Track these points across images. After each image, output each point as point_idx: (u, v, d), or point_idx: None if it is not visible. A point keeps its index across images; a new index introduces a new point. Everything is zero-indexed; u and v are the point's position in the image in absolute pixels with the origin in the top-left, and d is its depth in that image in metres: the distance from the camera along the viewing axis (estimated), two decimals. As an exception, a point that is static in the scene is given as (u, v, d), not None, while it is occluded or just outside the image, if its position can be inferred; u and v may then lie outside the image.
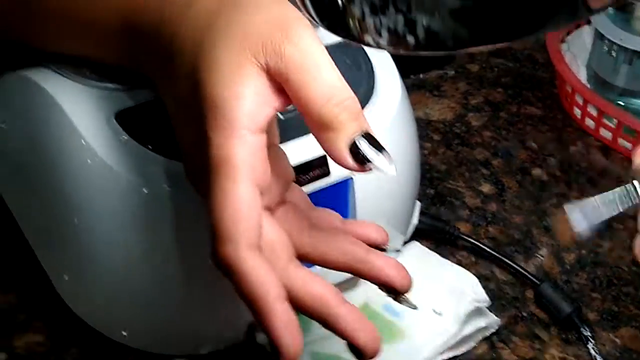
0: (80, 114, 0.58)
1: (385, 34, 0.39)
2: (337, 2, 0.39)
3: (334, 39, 0.43)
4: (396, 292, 0.55)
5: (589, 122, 0.88)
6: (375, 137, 0.49)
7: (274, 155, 0.55)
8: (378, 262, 0.54)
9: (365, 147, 0.48)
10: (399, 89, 0.67)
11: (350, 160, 0.49)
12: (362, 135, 0.49)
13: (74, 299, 0.64)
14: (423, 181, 0.81)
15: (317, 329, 0.64)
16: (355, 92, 0.64)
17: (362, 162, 0.49)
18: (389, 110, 0.66)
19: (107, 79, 0.60)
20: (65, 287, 0.64)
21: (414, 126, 0.70)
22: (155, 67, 0.54)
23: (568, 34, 0.95)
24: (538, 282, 0.71)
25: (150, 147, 0.58)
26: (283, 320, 0.48)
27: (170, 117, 0.53)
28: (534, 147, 0.87)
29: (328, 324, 0.52)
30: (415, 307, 0.56)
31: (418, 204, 0.74)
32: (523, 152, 0.86)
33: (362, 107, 0.64)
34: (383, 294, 0.56)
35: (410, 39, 0.38)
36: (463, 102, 0.91)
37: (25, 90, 0.61)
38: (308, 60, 0.48)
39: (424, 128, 0.88)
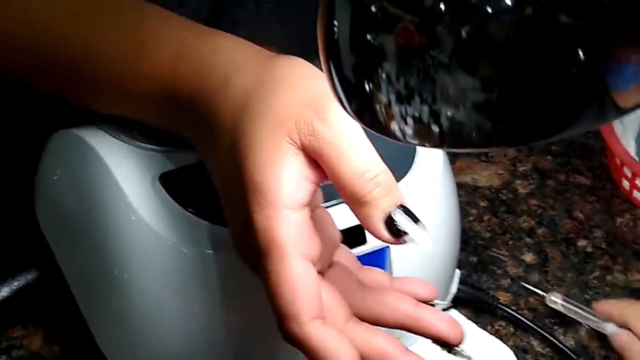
0: (125, 173, 0.60)
1: (410, 121, 0.39)
2: (365, 88, 0.40)
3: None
4: (449, 346, 0.55)
5: (637, 195, 0.87)
6: (411, 209, 0.50)
7: (319, 218, 0.56)
8: (429, 317, 0.55)
9: (400, 219, 0.49)
10: (440, 156, 0.68)
11: (386, 234, 0.50)
12: (398, 207, 0.50)
13: (113, 354, 0.65)
14: (467, 248, 0.82)
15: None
16: (395, 160, 0.65)
17: (397, 235, 0.50)
18: (430, 178, 0.67)
19: (155, 140, 0.62)
20: (105, 341, 0.65)
21: (455, 194, 0.70)
22: (196, 138, 0.56)
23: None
24: (575, 357, 0.71)
25: (191, 210, 0.59)
26: None
27: (217, 190, 0.54)
28: (581, 217, 0.87)
29: None
30: (470, 358, 0.56)
31: (457, 272, 0.74)
32: (569, 222, 0.86)
33: (404, 174, 0.66)
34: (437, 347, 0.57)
35: (435, 128, 0.39)
36: (511, 168, 0.92)
37: (76, 147, 0.63)
38: (339, 138, 0.49)
39: (471, 194, 0.88)
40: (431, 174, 0.67)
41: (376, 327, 0.54)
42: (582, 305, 0.75)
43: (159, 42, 0.57)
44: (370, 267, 0.59)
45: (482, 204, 0.87)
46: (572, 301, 0.75)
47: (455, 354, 0.56)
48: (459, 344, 0.55)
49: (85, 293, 0.66)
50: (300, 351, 0.51)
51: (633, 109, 0.39)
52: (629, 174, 0.87)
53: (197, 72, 0.55)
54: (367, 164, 0.49)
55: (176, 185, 0.60)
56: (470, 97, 0.38)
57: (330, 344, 0.50)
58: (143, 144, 0.62)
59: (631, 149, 0.90)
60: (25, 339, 0.69)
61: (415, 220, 0.50)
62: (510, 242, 0.83)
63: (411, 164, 0.66)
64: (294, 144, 0.50)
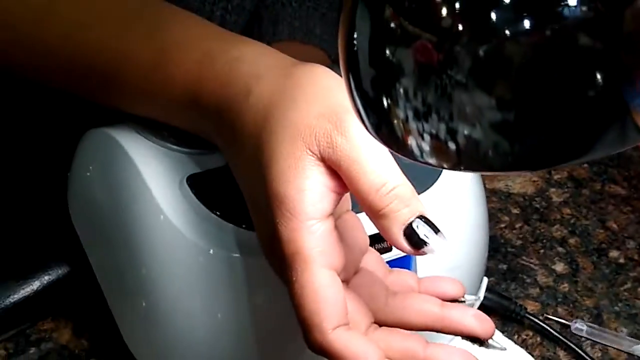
0: (153, 174, 0.61)
1: (427, 138, 0.39)
2: (383, 102, 0.40)
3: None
4: (480, 340, 0.55)
5: (673, 207, 0.87)
6: (431, 219, 0.50)
7: (347, 224, 0.57)
8: (455, 315, 0.55)
9: (420, 230, 0.50)
10: (468, 174, 0.68)
11: (406, 246, 0.50)
12: (419, 218, 0.50)
13: (139, 350, 0.66)
14: (497, 255, 0.81)
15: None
16: (421, 174, 0.65)
17: (417, 246, 0.50)
18: (459, 186, 0.67)
19: (184, 141, 0.62)
20: (131, 337, 0.66)
21: (484, 201, 0.70)
22: (222, 144, 0.57)
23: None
24: (601, 370, 0.71)
25: (218, 212, 0.60)
26: None
27: (244, 196, 0.55)
28: (614, 227, 0.86)
29: None
30: (504, 348, 0.56)
31: (485, 280, 0.74)
32: (602, 232, 0.85)
33: (432, 182, 0.66)
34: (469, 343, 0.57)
35: (452, 146, 0.39)
36: (546, 176, 0.91)
37: (107, 145, 0.64)
38: (357, 151, 0.49)
39: (504, 201, 0.88)
40: (460, 182, 0.67)
41: (395, 328, 0.54)
42: (607, 330, 0.74)
43: (183, 48, 0.58)
44: (398, 269, 0.59)
45: (515, 211, 0.87)
46: (596, 327, 0.74)
47: (488, 347, 0.55)
48: (490, 337, 0.55)
49: (113, 289, 0.67)
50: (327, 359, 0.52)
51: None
52: (665, 186, 0.86)
53: (220, 81, 0.56)
54: (385, 176, 0.49)
55: (204, 188, 0.61)
56: (487, 116, 0.38)
57: (354, 346, 0.50)
58: (172, 145, 0.62)
59: (668, 160, 0.89)
60: (54, 332, 0.70)
61: (436, 230, 0.50)
62: (542, 251, 0.83)
63: (440, 172, 0.66)
64: (314, 155, 0.50)
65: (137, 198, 0.62)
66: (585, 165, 0.93)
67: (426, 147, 0.40)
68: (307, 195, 0.50)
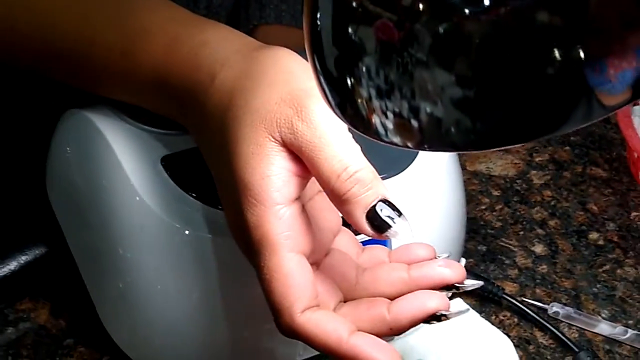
0: (128, 155, 0.61)
1: (390, 116, 0.40)
2: (347, 81, 0.40)
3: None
4: (457, 287, 0.54)
5: (653, 189, 0.87)
6: (393, 202, 0.50)
7: (317, 206, 0.57)
8: (423, 271, 0.55)
9: (383, 214, 0.50)
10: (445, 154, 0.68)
11: (369, 229, 0.50)
12: (381, 201, 0.50)
13: (115, 330, 0.66)
14: (476, 237, 0.82)
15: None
16: (397, 155, 0.65)
17: (380, 229, 0.50)
18: (435, 167, 0.67)
19: (160, 122, 0.62)
20: (108, 318, 0.66)
21: (461, 183, 0.71)
22: (191, 129, 0.57)
23: None
24: (577, 350, 0.71)
25: (193, 194, 0.60)
26: (367, 348, 0.50)
27: (214, 180, 0.55)
28: (594, 210, 0.86)
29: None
30: (467, 310, 0.56)
31: (463, 261, 0.74)
32: (582, 214, 0.85)
33: (408, 164, 0.66)
34: (420, 343, 0.56)
35: (415, 123, 0.39)
36: (527, 158, 0.91)
37: (84, 127, 0.64)
38: (318, 137, 0.50)
39: (485, 183, 0.88)
40: (436, 163, 0.67)
41: (361, 299, 0.55)
42: (584, 314, 0.75)
43: (150, 33, 0.58)
44: (371, 245, 0.59)
45: (495, 193, 0.87)
46: (573, 310, 0.75)
47: (463, 290, 0.55)
48: (462, 281, 0.54)
49: (90, 270, 0.67)
50: (301, 342, 0.52)
51: (618, 107, 0.39)
52: (646, 168, 0.86)
53: (186, 66, 0.56)
54: (346, 161, 0.49)
55: (179, 169, 0.61)
56: (448, 93, 0.38)
57: (324, 324, 0.50)
58: (148, 127, 0.63)
59: (648, 143, 0.89)
60: (32, 312, 0.71)
61: (399, 213, 0.50)
62: (521, 233, 0.83)
63: (416, 153, 0.67)
64: (277, 141, 0.50)
65: (113, 179, 0.62)
66: (567, 147, 0.93)
67: (390, 125, 0.40)
68: (271, 181, 0.50)
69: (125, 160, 0.61)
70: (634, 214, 0.86)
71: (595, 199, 0.87)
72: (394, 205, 0.50)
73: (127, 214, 0.62)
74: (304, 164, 0.51)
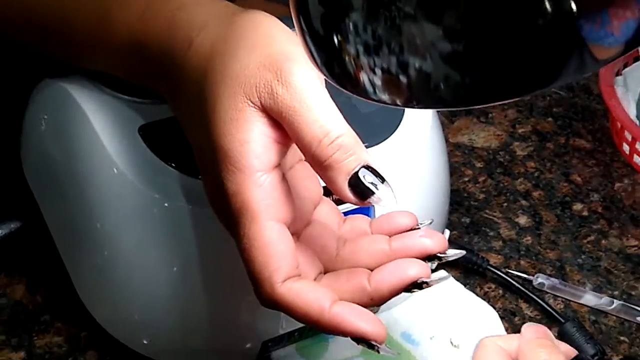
0: (105, 125, 0.60)
1: (379, 72, 0.39)
2: (333, 39, 0.39)
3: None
4: (439, 257, 0.53)
5: (637, 159, 0.86)
6: (376, 169, 0.49)
7: (299, 174, 0.56)
8: (404, 242, 0.54)
9: (366, 180, 0.48)
10: (429, 115, 0.67)
11: (351, 196, 0.49)
12: (364, 167, 0.48)
13: (94, 305, 0.65)
14: (460, 209, 0.81)
15: (329, 354, 0.65)
16: (382, 118, 0.64)
17: (363, 195, 0.49)
18: (418, 137, 0.66)
19: (138, 91, 0.61)
20: (86, 292, 0.65)
21: (445, 154, 0.69)
22: (168, 97, 0.55)
23: (625, 66, 0.93)
24: (563, 321, 0.70)
25: (172, 164, 0.59)
26: (350, 317, 0.49)
27: (192, 149, 0.54)
28: (578, 181, 0.85)
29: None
30: (463, 253, 0.55)
31: (447, 232, 0.73)
32: (566, 185, 0.85)
33: (390, 133, 0.65)
34: (404, 316, 0.55)
35: (404, 79, 0.38)
36: (510, 130, 0.90)
37: (59, 97, 0.63)
38: (298, 101, 0.48)
39: (467, 155, 0.87)
40: (419, 133, 0.66)
41: (341, 270, 0.54)
42: (569, 285, 0.74)
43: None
44: (352, 215, 0.58)
45: (478, 165, 0.86)
46: (558, 282, 0.74)
47: (445, 260, 0.54)
48: (444, 250, 0.54)
49: (67, 244, 0.65)
50: (282, 312, 0.51)
51: (610, 60, 0.38)
52: (629, 138, 0.86)
53: (162, 32, 0.54)
54: (327, 126, 0.48)
55: (157, 138, 0.60)
56: (437, 48, 0.37)
57: (305, 294, 0.49)
58: (125, 96, 0.61)
59: (632, 112, 0.88)
60: (7, 287, 0.69)
61: (382, 180, 0.49)
62: (505, 204, 0.82)
63: (399, 123, 0.65)
64: (256, 106, 0.49)
65: (90, 150, 0.61)
66: (550, 118, 0.92)
67: (378, 82, 0.39)
68: (250, 147, 0.49)
69: (102, 131, 0.60)
70: (617, 184, 0.85)
71: (579, 170, 0.86)
72: (376, 172, 0.49)
73: (105, 185, 0.60)
74: (285, 130, 0.49)
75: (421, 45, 0.37)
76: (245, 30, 0.51)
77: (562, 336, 0.70)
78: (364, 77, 0.39)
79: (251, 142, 0.49)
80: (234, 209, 0.49)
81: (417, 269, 0.51)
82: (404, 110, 0.66)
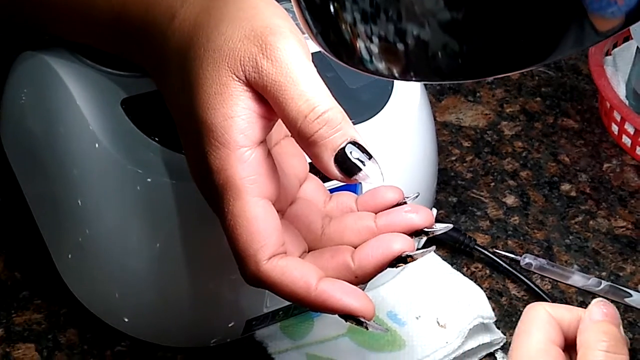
0: (87, 98, 0.58)
1: (376, 40, 0.38)
2: (329, 8, 0.38)
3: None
4: (426, 232, 0.53)
5: (626, 140, 0.85)
6: (363, 145, 0.48)
7: (284, 151, 0.55)
8: (390, 218, 0.53)
9: (352, 156, 0.47)
10: (417, 93, 0.66)
11: (337, 173, 0.48)
12: (351, 144, 0.47)
13: (74, 282, 0.64)
14: (447, 188, 0.80)
15: (314, 333, 0.64)
16: (370, 95, 0.63)
17: (350, 172, 0.48)
18: (406, 114, 0.65)
19: (120, 64, 0.59)
20: (66, 268, 0.64)
21: (433, 132, 0.68)
22: (150, 71, 0.54)
23: (615, 46, 0.92)
24: (550, 302, 0.70)
25: (154, 137, 0.57)
26: (338, 293, 0.48)
27: (175, 124, 0.52)
28: (566, 161, 0.84)
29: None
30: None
31: (434, 211, 0.72)
32: (554, 165, 0.84)
33: (379, 109, 0.64)
34: (391, 295, 0.54)
35: (401, 47, 0.37)
36: (498, 109, 0.89)
37: (40, 70, 0.61)
38: (284, 76, 0.47)
39: (455, 134, 0.86)
40: (407, 110, 0.65)
41: (322, 249, 0.53)
42: (557, 265, 0.73)
43: None
44: (338, 192, 0.57)
45: (466, 144, 0.85)
46: (546, 262, 0.73)
47: (432, 235, 0.54)
48: (430, 224, 0.53)
49: (48, 220, 0.64)
50: (267, 290, 0.50)
51: (611, 32, 0.37)
52: (618, 118, 0.85)
53: (145, 4, 0.53)
54: (313, 101, 0.47)
55: (140, 112, 0.58)
56: (436, 15, 0.36)
57: (291, 271, 0.48)
58: (108, 69, 0.60)
59: (621, 92, 0.87)
60: (-14, 264, 0.68)
61: (369, 156, 0.48)
62: (492, 184, 0.81)
63: (387, 100, 0.64)
64: (240, 80, 0.48)
65: (71, 124, 0.59)
66: (538, 98, 0.91)
67: (375, 49, 0.38)
68: (235, 122, 0.47)
69: (84, 104, 0.58)
70: (606, 165, 0.84)
71: (567, 150, 0.86)
72: (363, 148, 0.48)
73: (86, 160, 0.59)
74: (270, 104, 0.48)
75: (420, 13, 0.36)
76: (229, 2, 0.50)
77: (549, 317, 0.69)
78: (360, 45, 0.38)
79: (235, 117, 0.47)
80: (217, 185, 0.48)
81: (401, 243, 0.50)
82: (392, 87, 0.65)
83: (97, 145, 0.58)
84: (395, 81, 0.65)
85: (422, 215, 0.53)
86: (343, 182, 0.48)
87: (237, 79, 0.48)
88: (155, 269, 0.60)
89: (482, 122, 0.88)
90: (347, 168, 0.47)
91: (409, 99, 0.65)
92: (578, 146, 0.86)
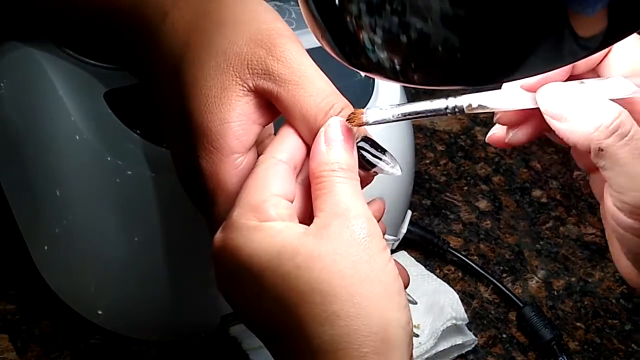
0: (70, 89, 0.58)
1: (380, 32, 0.38)
2: (335, 1, 0.39)
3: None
4: None
5: (596, 149, 0.86)
6: (376, 140, 0.49)
7: None
8: None
9: (367, 152, 0.48)
10: (397, 96, 0.66)
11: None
12: (363, 140, 0.48)
13: (49, 273, 0.63)
14: (420, 191, 0.80)
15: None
16: (351, 98, 0.64)
17: (366, 167, 0.48)
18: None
19: (104, 57, 0.59)
20: (43, 260, 0.63)
21: (411, 135, 0.69)
22: (139, 66, 0.54)
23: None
24: (521, 305, 0.71)
25: (137, 131, 0.57)
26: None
27: (163, 122, 0.52)
28: (538, 167, 0.86)
29: None
30: (415, 303, 0.55)
31: (409, 213, 0.73)
32: (526, 171, 0.85)
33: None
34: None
35: (404, 38, 0.38)
36: (471, 115, 0.90)
37: (22, 60, 0.61)
38: (296, 75, 0.47)
39: (429, 138, 0.87)
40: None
41: None
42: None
43: None
44: None
45: (440, 148, 0.86)
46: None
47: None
48: (406, 284, 0.54)
49: (25, 211, 0.64)
50: None
51: (593, 43, 0.38)
52: (590, 127, 0.86)
53: (136, 2, 0.53)
54: (331, 99, 0.47)
55: (123, 104, 0.58)
56: (439, 10, 0.36)
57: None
58: (91, 61, 0.59)
59: (593, 102, 0.88)
60: (-40, 254, 0.67)
61: (383, 150, 0.48)
62: (465, 188, 0.82)
63: (368, 101, 0.65)
64: (245, 85, 0.47)
65: (53, 115, 0.59)
66: (511, 105, 0.92)
67: (378, 40, 0.39)
68: (231, 128, 0.47)
69: (67, 95, 0.58)
70: (576, 173, 0.86)
71: (539, 157, 0.87)
72: (377, 144, 0.48)
73: (67, 151, 0.59)
74: (267, 111, 0.48)
75: (424, 6, 0.37)
76: (227, 6, 0.50)
77: (521, 320, 0.70)
78: (364, 36, 0.39)
79: (232, 122, 0.47)
80: (208, 189, 0.48)
81: None
82: (373, 89, 0.65)
83: (78, 136, 0.58)
84: (377, 83, 0.65)
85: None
86: (361, 177, 0.48)
87: (241, 83, 0.48)
88: (132, 262, 0.60)
89: (455, 127, 0.89)
90: (364, 162, 0.48)
91: (389, 101, 0.66)
92: (549, 153, 0.88)
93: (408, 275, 0.53)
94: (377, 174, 0.48)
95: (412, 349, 0.48)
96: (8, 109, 0.63)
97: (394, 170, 0.48)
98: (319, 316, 0.42)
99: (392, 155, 0.48)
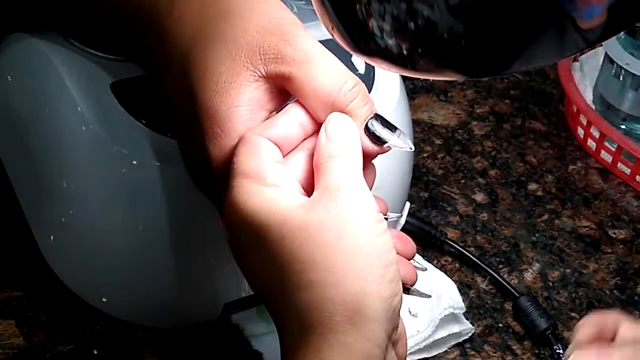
0: (77, 80, 0.59)
1: (388, 18, 0.40)
2: None
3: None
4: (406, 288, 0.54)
5: (591, 143, 0.88)
6: (386, 117, 0.50)
7: None
8: None
9: (379, 128, 0.49)
10: (397, 90, 0.67)
11: (369, 142, 0.49)
12: (374, 118, 0.49)
13: (56, 261, 0.65)
14: (418, 184, 0.82)
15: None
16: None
17: (379, 141, 0.49)
18: (386, 109, 0.66)
19: (110, 48, 0.60)
20: (49, 248, 0.65)
21: (410, 127, 0.70)
22: (146, 55, 0.55)
23: (582, 53, 0.95)
24: (517, 295, 0.72)
25: (143, 121, 0.58)
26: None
27: (169, 110, 0.54)
28: (533, 162, 0.87)
29: None
30: (424, 269, 0.56)
31: (407, 204, 0.74)
32: (521, 165, 0.86)
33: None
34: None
35: (412, 25, 0.39)
36: (469, 109, 0.92)
37: (28, 51, 0.62)
38: (310, 55, 0.48)
39: (427, 131, 0.88)
40: (386, 106, 0.67)
41: None
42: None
43: None
44: None
45: (437, 141, 0.87)
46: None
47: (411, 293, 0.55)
48: (412, 257, 0.54)
49: (32, 201, 0.65)
50: None
51: (593, 35, 0.39)
52: (585, 122, 0.87)
53: None
54: (344, 75, 0.49)
55: (129, 95, 0.59)
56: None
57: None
58: (98, 52, 0.60)
59: (588, 97, 0.90)
60: (-33, 244, 0.68)
61: (394, 128, 0.50)
62: (462, 181, 0.83)
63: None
64: (256, 71, 0.49)
65: (60, 106, 0.60)
66: (507, 100, 0.94)
67: (387, 27, 0.40)
68: (239, 112, 0.49)
69: (74, 86, 0.59)
70: (571, 167, 0.87)
71: (534, 152, 0.88)
72: (387, 121, 0.50)
73: (74, 141, 0.60)
74: (276, 98, 0.50)
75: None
76: None
77: (517, 310, 0.71)
78: (373, 23, 0.40)
79: (239, 107, 0.49)
80: (215, 173, 0.50)
81: None
82: (372, 82, 0.67)
83: (84, 127, 0.59)
84: (376, 78, 0.67)
85: (406, 249, 0.54)
86: (374, 152, 0.50)
87: (253, 69, 0.49)
88: (137, 250, 0.61)
89: (453, 122, 0.90)
90: (377, 138, 0.49)
91: (388, 94, 0.67)
92: (545, 148, 0.89)
93: (414, 246, 0.54)
94: (390, 148, 0.50)
95: (401, 325, 0.49)
96: (15, 100, 0.64)
97: (406, 145, 0.50)
98: (296, 284, 0.44)
99: (402, 132, 0.50)
